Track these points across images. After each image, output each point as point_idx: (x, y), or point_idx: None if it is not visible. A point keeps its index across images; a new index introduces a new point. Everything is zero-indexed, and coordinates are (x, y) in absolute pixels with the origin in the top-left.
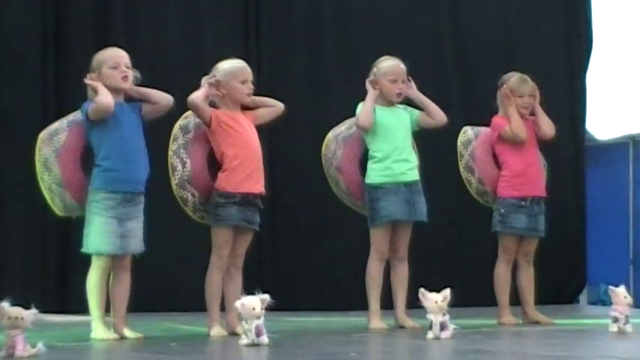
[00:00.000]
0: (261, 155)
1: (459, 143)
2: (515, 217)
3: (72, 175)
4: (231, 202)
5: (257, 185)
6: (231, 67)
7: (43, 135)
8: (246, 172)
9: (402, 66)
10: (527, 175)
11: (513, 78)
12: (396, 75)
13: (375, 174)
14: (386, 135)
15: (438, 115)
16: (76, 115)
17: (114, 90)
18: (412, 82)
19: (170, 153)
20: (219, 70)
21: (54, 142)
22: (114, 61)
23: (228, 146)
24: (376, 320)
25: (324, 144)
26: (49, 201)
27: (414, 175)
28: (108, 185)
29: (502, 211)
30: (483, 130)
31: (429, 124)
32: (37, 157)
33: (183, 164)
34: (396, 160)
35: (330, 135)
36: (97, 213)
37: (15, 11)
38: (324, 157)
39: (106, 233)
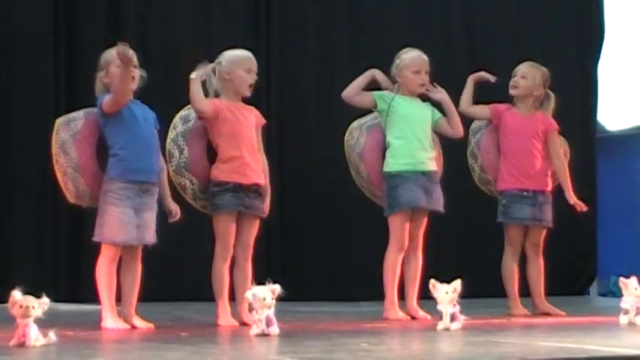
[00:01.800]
0: (256, 146)
1: (470, 130)
2: (517, 207)
3: (88, 160)
4: (225, 189)
5: (250, 175)
6: (236, 55)
7: (60, 120)
8: (239, 163)
9: (425, 57)
10: (523, 168)
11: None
12: (419, 66)
13: (394, 162)
14: (405, 124)
15: (457, 129)
16: (91, 108)
17: None
18: (440, 88)
19: (168, 141)
20: (224, 57)
21: (71, 127)
22: None
23: (222, 138)
24: (393, 310)
25: (348, 131)
26: (63, 185)
27: (433, 165)
28: (125, 174)
29: (504, 201)
30: None
31: (446, 132)
32: (53, 139)
33: (181, 151)
34: (415, 149)
35: (355, 124)
36: (113, 203)
37: (27, 7)
38: (347, 144)
39: (123, 223)
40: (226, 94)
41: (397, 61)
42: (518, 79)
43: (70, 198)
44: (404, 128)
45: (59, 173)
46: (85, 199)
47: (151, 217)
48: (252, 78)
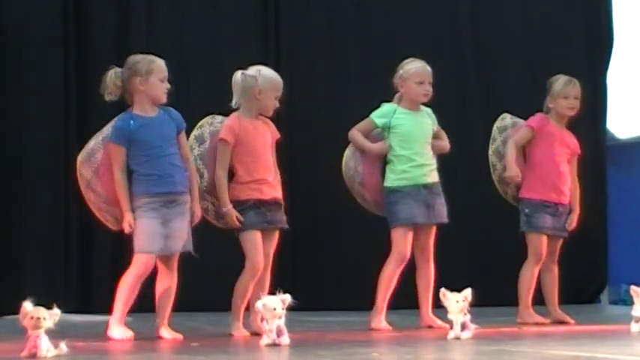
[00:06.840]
0: (272, 162)
1: (494, 128)
2: (540, 216)
3: (114, 191)
4: (246, 207)
5: (269, 191)
6: (272, 77)
7: (81, 157)
8: (256, 183)
9: (429, 68)
10: (551, 183)
11: (560, 79)
12: (423, 77)
13: (394, 177)
14: (405, 141)
15: (438, 149)
16: (108, 130)
17: (154, 100)
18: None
19: None
20: (261, 75)
21: (92, 162)
22: (163, 75)
23: (240, 163)
24: (378, 319)
25: (343, 162)
26: (102, 219)
27: (434, 176)
28: (148, 189)
29: (526, 211)
30: (521, 122)
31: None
32: (79, 179)
33: (201, 175)
34: (415, 165)
35: (348, 152)
36: (141, 216)
37: (36, 18)
38: (346, 175)
39: (150, 234)
40: (249, 111)
41: (400, 72)
42: (575, 102)
43: (112, 227)
44: (404, 145)
45: (94, 209)
46: None
47: (179, 227)
48: (278, 104)
